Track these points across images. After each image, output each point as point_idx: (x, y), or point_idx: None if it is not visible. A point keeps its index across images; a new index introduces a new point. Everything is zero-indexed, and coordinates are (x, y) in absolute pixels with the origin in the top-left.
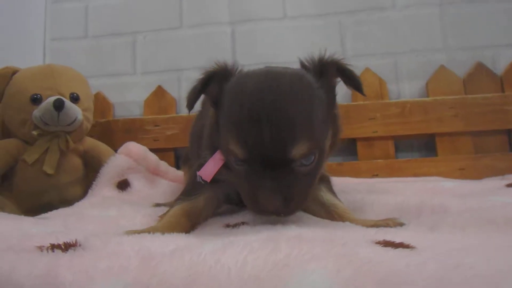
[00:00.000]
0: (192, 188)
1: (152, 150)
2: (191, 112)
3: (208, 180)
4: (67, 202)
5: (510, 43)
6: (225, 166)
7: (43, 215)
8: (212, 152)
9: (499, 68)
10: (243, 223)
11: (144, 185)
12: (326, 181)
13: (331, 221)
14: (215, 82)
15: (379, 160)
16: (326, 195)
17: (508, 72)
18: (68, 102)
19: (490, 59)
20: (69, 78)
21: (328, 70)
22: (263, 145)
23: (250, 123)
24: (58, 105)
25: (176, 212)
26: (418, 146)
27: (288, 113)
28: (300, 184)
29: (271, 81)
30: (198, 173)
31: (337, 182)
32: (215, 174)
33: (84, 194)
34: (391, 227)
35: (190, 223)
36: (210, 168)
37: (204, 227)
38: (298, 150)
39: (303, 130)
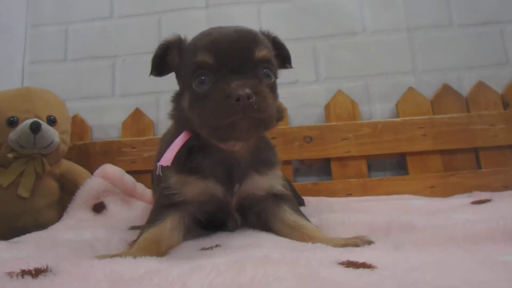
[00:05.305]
0: (156, 214)
1: (129, 172)
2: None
3: (170, 163)
4: (42, 226)
5: (473, 65)
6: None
7: (16, 239)
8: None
9: (465, 89)
10: (217, 245)
11: (120, 207)
12: (289, 201)
13: (301, 242)
14: (173, 50)
15: (352, 180)
16: (292, 216)
17: (472, 94)
18: (45, 125)
19: (456, 81)
20: (47, 101)
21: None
22: (231, 48)
23: (217, 37)
24: (35, 128)
25: (145, 237)
26: (390, 165)
27: (250, 31)
28: (263, 90)
29: (233, 26)
30: (158, 163)
31: (313, 201)
32: (180, 194)
33: (59, 218)
34: (359, 245)
35: (160, 248)
36: (170, 152)
37: (178, 251)
38: (260, 51)
39: (263, 41)
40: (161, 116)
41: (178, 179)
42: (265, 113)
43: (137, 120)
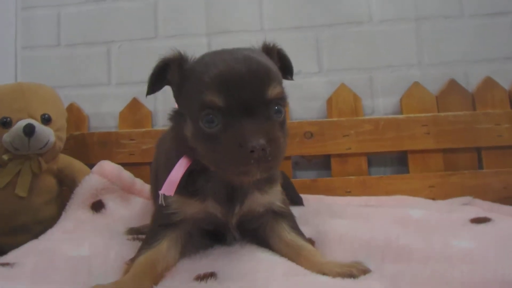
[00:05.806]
0: (153, 235)
1: (127, 164)
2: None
3: (172, 193)
4: (42, 222)
5: (481, 59)
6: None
7: (13, 255)
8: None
9: (471, 84)
10: (211, 274)
11: (119, 205)
12: (288, 218)
13: (297, 266)
14: (174, 69)
15: (352, 177)
16: (289, 235)
17: (479, 90)
18: (39, 127)
19: (463, 75)
20: (40, 98)
21: (272, 53)
22: (242, 87)
23: (226, 73)
24: (29, 131)
25: (141, 261)
26: (391, 162)
27: (261, 63)
28: (276, 135)
29: (238, 50)
30: (160, 191)
31: (311, 200)
32: (179, 214)
33: (59, 212)
34: (355, 275)
35: (157, 271)
36: (173, 179)
37: (173, 278)
38: (273, 89)
39: (275, 75)
40: (159, 106)
41: (177, 199)
42: (277, 161)
43: (134, 110)
